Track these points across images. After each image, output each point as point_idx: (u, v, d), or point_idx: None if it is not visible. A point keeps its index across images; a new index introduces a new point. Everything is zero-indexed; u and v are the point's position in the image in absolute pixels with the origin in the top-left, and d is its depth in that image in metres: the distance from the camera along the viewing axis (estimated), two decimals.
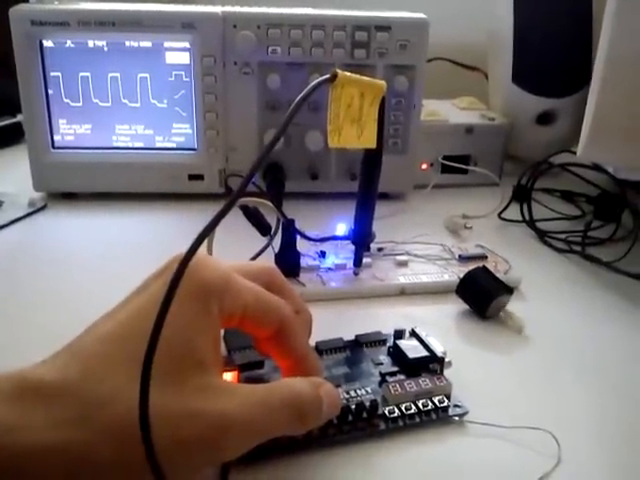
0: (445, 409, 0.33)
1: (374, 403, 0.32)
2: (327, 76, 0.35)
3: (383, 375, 0.35)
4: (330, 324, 0.42)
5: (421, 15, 0.60)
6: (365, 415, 0.32)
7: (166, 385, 0.24)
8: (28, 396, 0.24)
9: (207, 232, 0.25)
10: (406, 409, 0.33)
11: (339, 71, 0.35)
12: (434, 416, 0.33)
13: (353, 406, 0.32)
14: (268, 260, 0.47)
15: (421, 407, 0.33)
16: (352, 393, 0.33)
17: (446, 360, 0.35)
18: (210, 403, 0.25)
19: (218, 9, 0.58)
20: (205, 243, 0.42)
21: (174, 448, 0.24)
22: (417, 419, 0.33)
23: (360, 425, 0.32)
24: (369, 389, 0.34)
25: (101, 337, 0.26)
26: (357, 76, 0.37)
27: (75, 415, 0.23)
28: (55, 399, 0.24)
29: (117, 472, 0.24)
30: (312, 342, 0.37)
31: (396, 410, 0.32)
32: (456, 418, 0.33)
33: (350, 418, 0.31)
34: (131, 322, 0.26)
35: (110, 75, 0.59)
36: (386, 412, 0.32)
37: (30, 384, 0.24)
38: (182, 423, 0.24)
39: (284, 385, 0.28)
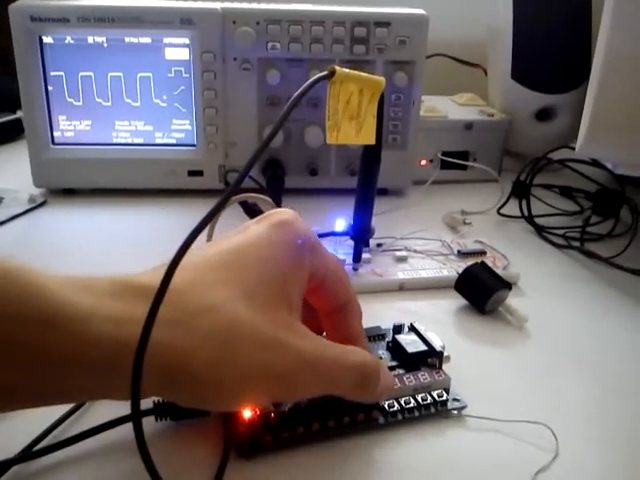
0: (444, 403, 0.33)
1: None
2: (325, 73, 0.35)
3: None
4: None
5: (420, 11, 0.60)
6: (363, 406, 0.32)
7: (261, 312, 0.26)
8: (130, 294, 0.24)
9: (201, 228, 0.25)
10: (405, 403, 0.33)
11: (337, 67, 0.35)
12: (433, 410, 0.33)
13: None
14: None
15: (420, 401, 0.33)
16: None
17: (445, 354, 0.35)
18: (297, 340, 0.27)
19: (217, 5, 0.58)
20: (205, 239, 0.42)
21: (252, 366, 0.25)
22: (416, 413, 0.33)
23: (359, 418, 0.32)
24: None
25: (208, 258, 0.27)
26: (355, 72, 0.37)
27: (177, 317, 0.24)
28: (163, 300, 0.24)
29: (209, 377, 0.25)
30: None
31: (395, 404, 0.33)
32: (455, 412, 0.33)
33: (349, 411, 0.31)
34: (232, 253, 0.28)
35: (110, 71, 0.59)
36: (385, 406, 0.32)
37: (132, 285, 0.25)
38: (268, 347, 0.26)
39: (357, 350, 0.30)
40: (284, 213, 0.30)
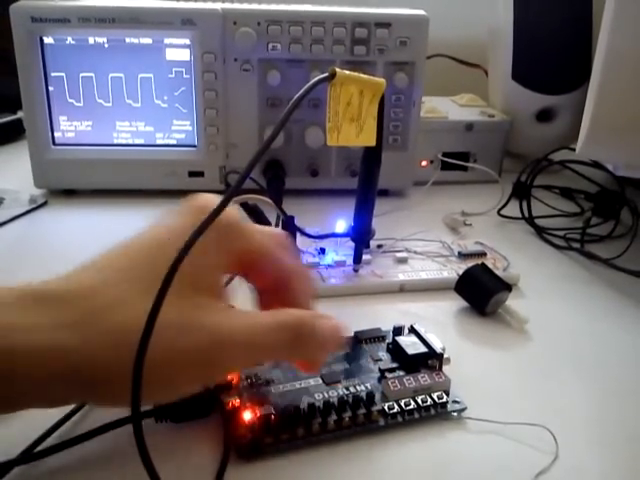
0: (444, 405, 0.33)
1: (370, 395, 0.32)
2: (325, 75, 0.35)
3: (382, 371, 0.35)
4: None
5: (421, 12, 0.60)
6: (363, 408, 0.32)
7: (169, 301, 0.25)
8: (30, 302, 0.24)
9: (201, 230, 0.25)
10: (405, 405, 0.33)
11: (337, 69, 0.35)
12: (433, 412, 0.33)
13: (350, 400, 0.32)
14: None
15: (420, 403, 0.33)
16: (352, 389, 0.34)
17: (445, 356, 0.35)
18: (208, 318, 0.26)
19: (218, 6, 0.58)
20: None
21: (170, 358, 0.25)
22: (416, 415, 0.33)
23: (359, 420, 0.32)
24: (368, 385, 0.34)
25: (117, 256, 0.27)
26: (356, 74, 0.37)
27: (79, 318, 0.24)
28: (61, 304, 0.24)
29: (113, 376, 0.24)
30: None
31: (395, 406, 0.33)
32: (455, 414, 0.33)
33: (349, 412, 0.32)
34: (146, 246, 0.28)
35: (111, 72, 0.59)
36: (385, 408, 0.32)
37: (35, 292, 0.25)
38: (179, 334, 0.25)
39: (287, 311, 0.29)
40: (202, 199, 0.29)
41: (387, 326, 0.39)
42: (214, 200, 0.28)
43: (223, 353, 0.26)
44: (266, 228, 0.34)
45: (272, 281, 0.31)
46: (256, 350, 0.28)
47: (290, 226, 0.45)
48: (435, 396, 0.33)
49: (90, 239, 0.55)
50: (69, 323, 0.24)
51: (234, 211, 0.30)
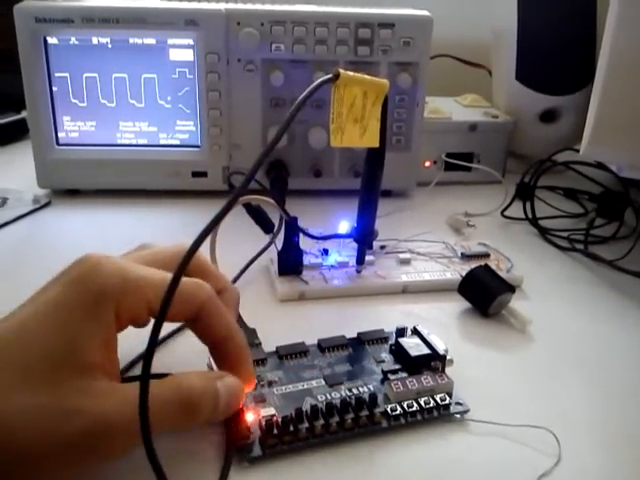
0: (447, 407, 0.33)
1: (373, 396, 0.32)
2: (329, 76, 0.35)
3: (385, 373, 0.35)
4: (332, 322, 0.42)
5: (425, 12, 0.60)
6: (366, 409, 0.32)
7: (41, 386, 0.25)
8: None
9: (205, 235, 0.25)
10: (408, 407, 0.33)
11: (341, 71, 0.35)
12: (436, 414, 0.33)
13: (353, 402, 0.32)
14: (272, 256, 0.47)
15: (423, 405, 0.33)
16: (354, 391, 0.34)
17: (448, 358, 0.35)
18: (89, 403, 0.25)
19: (221, 6, 0.58)
20: (208, 241, 0.42)
21: (47, 447, 0.24)
22: (419, 417, 0.33)
23: (362, 422, 0.32)
24: (371, 387, 0.34)
25: None
26: (359, 75, 0.37)
27: None
28: None
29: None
30: (314, 339, 0.38)
31: (398, 408, 0.33)
32: (458, 416, 0.33)
33: (351, 414, 0.32)
34: (21, 327, 0.26)
35: (114, 72, 0.59)
36: (388, 410, 0.32)
37: None
38: (57, 422, 0.24)
39: (170, 381, 0.28)
40: (82, 265, 0.28)
41: (390, 327, 0.39)
42: (94, 263, 0.27)
43: (110, 438, 0.25)
44: (165, 253, 0.32)
45: (183, 316, 0.30)
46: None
47: (293, 227, 0.45)
48: (438, 398, 0.33)
49: (93, 239, 0.55)
50: None
51: (104, 271, 0.27)
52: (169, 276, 0.27)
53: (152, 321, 0.25)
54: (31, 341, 0.26)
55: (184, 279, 0.29)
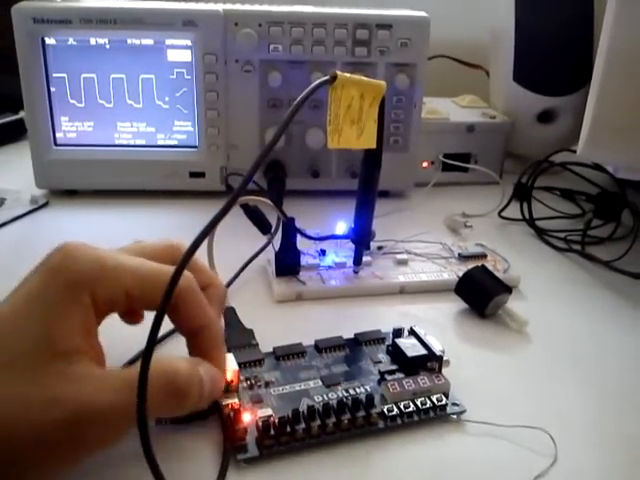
0: (443, 407, 0.33)
1: (370, 397, 0.32)
2: (327, 77, 0.35)
3: (382, 373, 0.35)
4: (329, 322, 0.42)
5: (422, 13, 0.60)
6: (362, 410, 0.32)
7: (22, 376, 0.25)
8: None
9: (202, 237, 0.25)
10: (405, 407, 0.33)
11: (339, 72, 0.35)
12: (432, 414, 0.33)
13: (350, 403, 0.32)
14: (269, 257, 0.47)
15: (420, 405, 0.33)
16: (351, 391, 0.34)
17: (444, 359, 0.35)
18: (69, 389, 0.25)
19: (219, 7, 0.58)
20: (206, 242, 0.42)
21: (33, 435, 0.24)
22: (415, 417, 0.33)
23: (359, 423, 0.32)
24: (368, 387, 0.34)
25: None
26: (357, 77, 0.37)
27: None
28: None
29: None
30: (311, 340, 0.38)
31: (395, 408, 0.33)
32: (454, 417, 0.33)
33: (348, 414, 0.32)
34: (1, 320, 0.26)
35: (112, 73, 0.59)
36: (385, 410, 0.32)
37: None
38: (40, 410, 0.24)
39: (156, 365, 0.27)
40: (60, 252, 0.28)
41: (387, 328, 0.39)
42: (69, 252, 0.28)
43: (90, 425, 0.25)
44: (155, 246, 0.33)
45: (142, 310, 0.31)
46: (131, 416, 0.25)
47: (290, 227, 0.45)
48: (435, 398, 0.33)
49: (91, 239, 0.55)
50: None
51: (81, 258, 0.28)
52: (146, 263, 0.28)
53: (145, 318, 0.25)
54: (9, 332, 0.26)
55: (160, 266, 0.29)
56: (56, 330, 0.26)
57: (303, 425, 0.31)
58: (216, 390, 0.30)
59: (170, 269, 0.29)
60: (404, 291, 0.47)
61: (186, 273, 0.30)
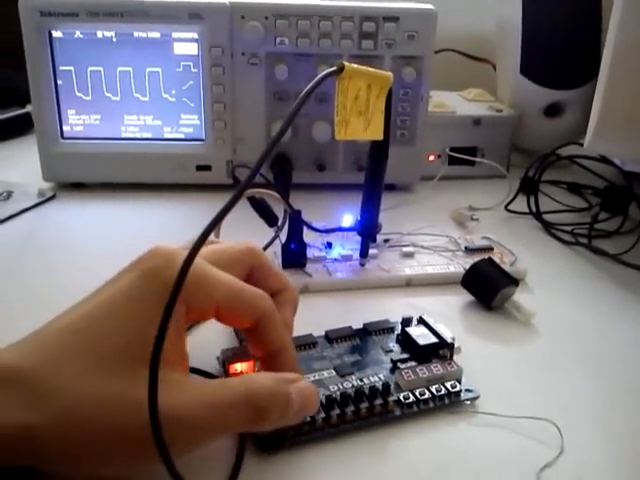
0: (457, 393, 0.34)
1: (386, 385, 0.32)
2: (334, 68, 0.35)
3: (395, 362, 0.35)
4: (337, 314, 0.42)
5: (429, 6, 0.60)
6: (379, 398, 0.32)
7: (115, 376, 0.25)
8: None
9: (209, 230, 0.25)
10: (420, 395, 0.33)
11: (346, 63, 0.35)
12: (447, 401, 0.33)
13: (367, 391, 0.32)
14: (275, 250, 0.47)
15: (434, 392, 0.33)
16: (365, 380, 0.34)
17: (455, 346, 0.36)
18: (162, 394, 0.24)
19: (226, 0, 0.58)
20: (213, 235, 0.42)
21: (120, 436, 0.24)
22: (431, 404, 0.33)
23: (377, 411, 0.32)
24: (381, 375, 0.34)
25: (64, 327, 0.26)
26: (364, 68, 0.37)
27: (29, 400, 0.24)
28: (10, 383, 0.24)
29: (60, 458, 0.24)
30: (319, 331, 0.38)
31: (411, 396, 0.33)
32: (468, 402, 0.34)
33: (366, 403, 0.32)
34: (95, 314, 0.27)
35: (119, 66, 0.59)
36: (401, 398, 0.33)
37: None
38: (129, 413, 0.24)
39: (241, 381, 0.27)
40: (156, 257, 0.28)
41: (394, 319, 0.39)
42: (168, 255, 0.28)
43: (175, 434, 0.24)
44: (233, 253, 0.32)
45: (243, 322, 0.30)
46: (212, 430, 0.26)
47: (297, 220, 0.45)
48: (448, 385, 0.34)
49: (98, 232, 0.55)
50: (21, 403, 0.24)
51: (179, 265, 0.27)
52: (236, 282, 0.29)
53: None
54: (106, 330, 0.26)
55: (249, 288, 0.30)
56: (148, 336, 0.25)
57: (322, 414, 0.31)
58: (309, 408, 0.29)
59: (259, 292, 0.30)
60: (410, 284, 0.47)
61: (267, 297, 0.30)
